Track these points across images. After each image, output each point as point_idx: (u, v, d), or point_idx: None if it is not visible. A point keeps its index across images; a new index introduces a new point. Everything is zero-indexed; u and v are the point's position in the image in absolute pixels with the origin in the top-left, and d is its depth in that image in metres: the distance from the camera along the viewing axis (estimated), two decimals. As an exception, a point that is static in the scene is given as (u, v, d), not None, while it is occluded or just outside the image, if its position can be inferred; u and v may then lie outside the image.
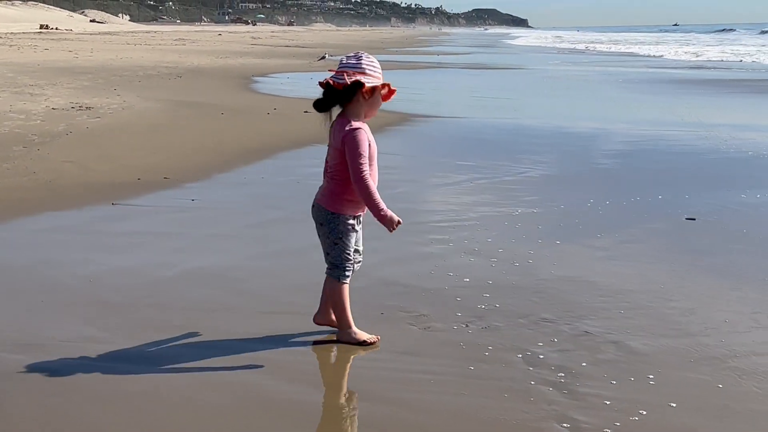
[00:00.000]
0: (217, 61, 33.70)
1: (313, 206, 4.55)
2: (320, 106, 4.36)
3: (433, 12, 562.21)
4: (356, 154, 4.28)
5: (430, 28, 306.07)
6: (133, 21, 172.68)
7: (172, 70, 27.42)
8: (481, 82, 26.63)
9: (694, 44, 67.55)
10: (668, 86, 24.42)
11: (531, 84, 26.35)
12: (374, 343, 4.65)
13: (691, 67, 35.60)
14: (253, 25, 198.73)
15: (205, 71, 27.58)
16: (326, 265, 4.61)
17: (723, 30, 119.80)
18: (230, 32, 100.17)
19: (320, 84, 4.37)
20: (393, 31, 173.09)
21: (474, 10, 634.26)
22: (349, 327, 4.64)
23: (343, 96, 4.31)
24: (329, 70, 4.45)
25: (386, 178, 9.82)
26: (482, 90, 23.52)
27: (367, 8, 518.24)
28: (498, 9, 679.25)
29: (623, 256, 6.63)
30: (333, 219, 4.44)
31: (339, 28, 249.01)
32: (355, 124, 4.31)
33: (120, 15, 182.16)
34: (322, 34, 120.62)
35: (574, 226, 7.56)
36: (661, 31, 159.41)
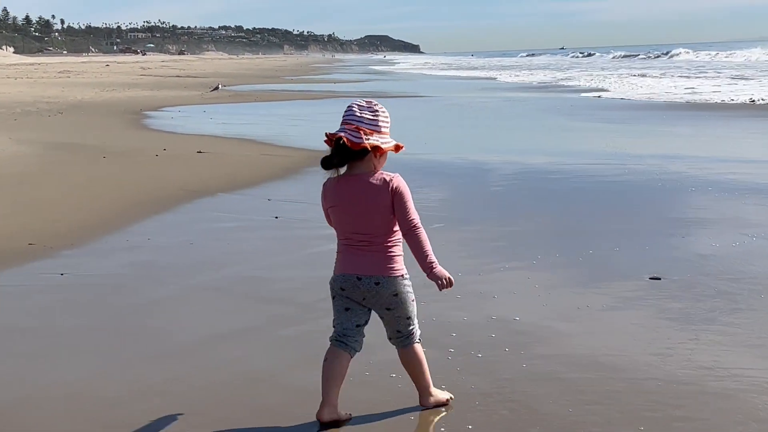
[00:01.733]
0: (103, 95, 31.75)
1: (374, 282, 3.99)
2: (330, 164, 3.93)
3: (326, 39, 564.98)
4: (411, 203, 3.98)
5: (324, 55, 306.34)
6: (18, 53, 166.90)
7: (53, 105, 25.48)
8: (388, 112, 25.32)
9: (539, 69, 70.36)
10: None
11: (430, 113, 25.31)
12: (450, 400, 4.30)
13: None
14: (143, 54, 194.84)
15: (89, 106, 25.72)
16: (398, 343, 4.16)
17: (589, 54, 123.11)
18: (119, 62, 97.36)
19: (330, 138, 3.93)
20: (287, 59, 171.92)
21: (366, 37, 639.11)
22: (431, 387, 4.25)
23: (355, 154, 3.91)
24: (341, 123, 3.95)
25: (302, 235, 8.38)
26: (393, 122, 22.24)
27: (259, 36, 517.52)
28: (390, 35, 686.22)
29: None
30: (406, 282, 4.05)
31: (231, 56, 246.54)
32: (389, 173, 3.98)
33: (4, 47, 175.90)
34: (214, 62, 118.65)
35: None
36: (549, 54, 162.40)
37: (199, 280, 6.77)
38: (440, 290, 3.99)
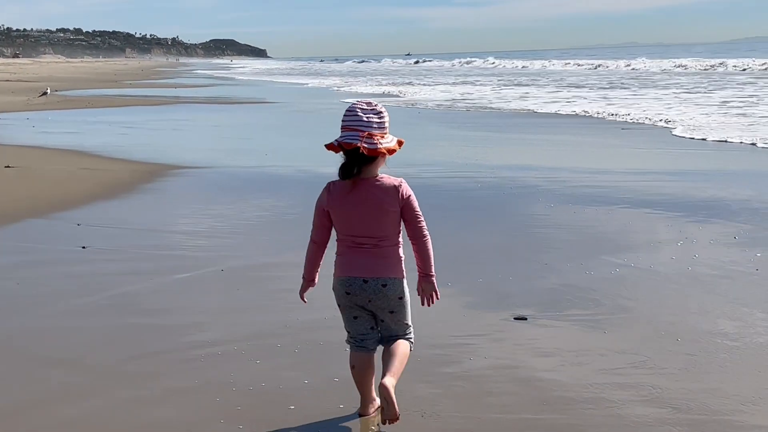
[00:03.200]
0: None
1: (381, 284, 3.99)
2: (350, 174, 3.88)
3: (169, 42, 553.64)
4: (419, 210, 4.01)
5: (167, 59, 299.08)
6: None
7: None
8: (230, 120, 24.11)
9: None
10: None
11: (276, 120, 24.20)
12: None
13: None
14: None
15: None
16: (394, 341, 4.09)
17: (417, 61, 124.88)
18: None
19: (343, 146, 3.87)
20: (128, 63, 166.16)
21: (212, 41, 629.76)
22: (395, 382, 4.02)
23: (368, 160, 3.88)
24: (344, 128, 3.87)
25: (108, 270, 6.93)
26: (233, 129, 21.03)
27: (99, 39, 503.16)
28: (236, 40, 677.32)
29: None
30: (406, 287, 4.09)
31: (69, 59, 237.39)
32: (395, 177, 3.99)
33: None
34: (50, 66, 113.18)
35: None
36: (392, 59, 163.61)
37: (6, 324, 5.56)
38: (429, 304, 4.08)
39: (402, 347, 4.06)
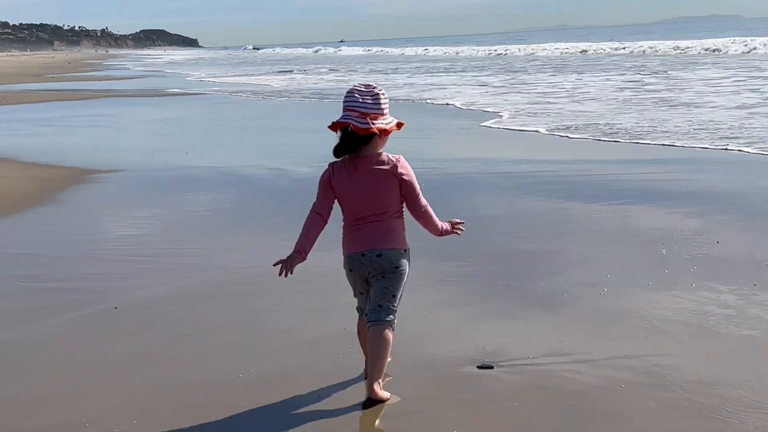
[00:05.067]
0: None
1: (375, 255, 4.10)
2: (341, 153, 4.08)
3: (99, 34, 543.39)
4: (417, 185, 4.16)
5: (96, 51, 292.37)
6: None
7: None
8: (162, 114, 22.67)
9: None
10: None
11: (209, 113, 22.91)
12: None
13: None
14: None
15: None
16: (374, 316, 4.11)
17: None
18: None
19: (338, 126, 4.06)
20: (55, 55, 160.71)
21: (142, 31, 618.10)
22: (381, 378, 4.16)
23: (363, 139, 4.03)
24: (344, 109, 4.03)
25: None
26: (153, 125, 19.69)
27: (27, 32, 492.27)
28: (167, 30, 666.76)
29: None
30: (408, 256, 4.21)
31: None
32: (393, 155, 4.12)
33: None
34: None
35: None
36: (326, 46, 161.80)
37: None
38: (460, 233, 4.37)
39: (384, 342, 4.08)
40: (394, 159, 4.10)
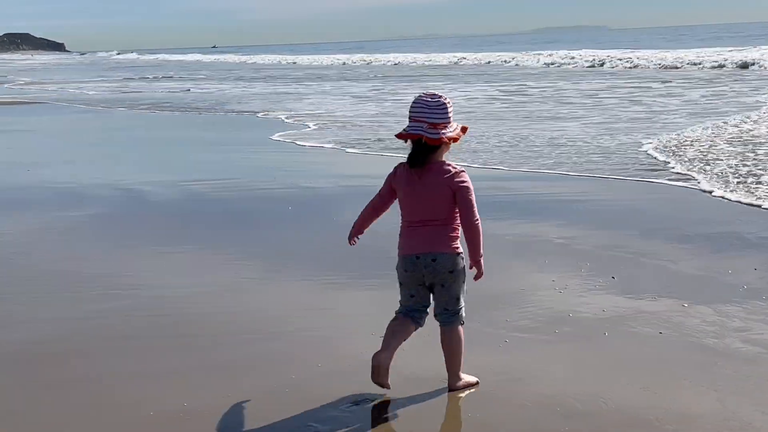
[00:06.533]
0: None
1: (430, 259, 4.24)
2: (416, 163, 4.21)
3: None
4: (474, 198, 4.26)
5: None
6: None
7: None
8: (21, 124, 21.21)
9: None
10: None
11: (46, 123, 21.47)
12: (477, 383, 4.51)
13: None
14: None
15: None
16: (444, 320, 4.35)
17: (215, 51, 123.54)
18: None
19: (407, 137, 4.20)
20: None
21: (6, 35, 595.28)
22: (461, 371, 4.46)
23: (433, 149, 4.18)
24: (411, 119, 4.17)
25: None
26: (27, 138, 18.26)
27: None
28: (32, 33, 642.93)
29: None
30: (460, 261, 4.30)
31: None
32: (456, 165, 4.26)
33: None
34: None
35: None
36: (193, 52, 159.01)
37: None
38: (476, 279, 4.32)
39: (457, 340, 4.33)
40: (456, 169, 4.22)
